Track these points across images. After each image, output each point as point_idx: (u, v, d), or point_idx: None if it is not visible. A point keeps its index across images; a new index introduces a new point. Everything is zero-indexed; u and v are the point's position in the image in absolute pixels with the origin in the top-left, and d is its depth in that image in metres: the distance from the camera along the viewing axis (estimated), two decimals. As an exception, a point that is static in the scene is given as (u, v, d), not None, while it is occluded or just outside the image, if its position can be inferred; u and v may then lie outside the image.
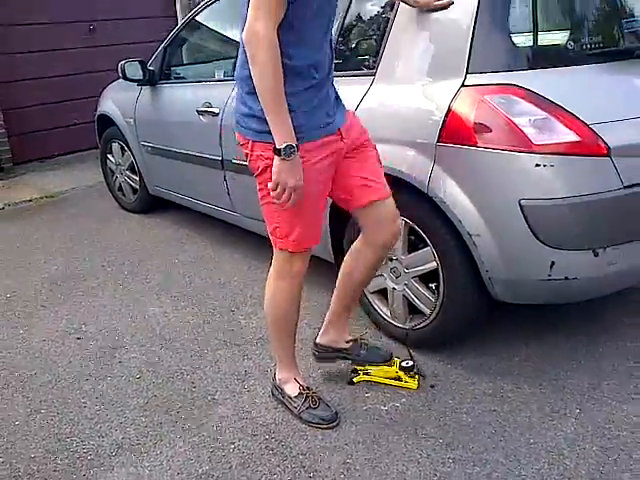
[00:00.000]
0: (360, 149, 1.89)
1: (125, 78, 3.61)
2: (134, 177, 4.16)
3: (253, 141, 1.72)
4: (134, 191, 4.25)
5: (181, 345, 2.55)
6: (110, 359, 2.48)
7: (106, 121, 4.28)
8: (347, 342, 2.20)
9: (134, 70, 3.58)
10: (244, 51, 1.63)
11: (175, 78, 3.66)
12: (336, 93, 1.86)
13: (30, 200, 4.97)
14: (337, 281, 2.12)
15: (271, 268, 1.93)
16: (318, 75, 1.70)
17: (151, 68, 3.63)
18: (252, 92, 1.63)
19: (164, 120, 3.57)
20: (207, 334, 2.62)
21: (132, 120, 3.88)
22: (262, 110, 1.60)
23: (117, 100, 4.13)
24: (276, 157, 1.61)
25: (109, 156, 4.37)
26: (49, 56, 5.90)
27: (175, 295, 3.01)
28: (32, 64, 5.79)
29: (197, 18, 3.52)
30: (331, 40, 1.78)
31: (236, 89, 1.84)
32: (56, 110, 6.04)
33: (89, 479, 1.84)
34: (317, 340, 2.22)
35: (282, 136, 1.59)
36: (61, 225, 4.25)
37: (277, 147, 1.60)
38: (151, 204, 4.22)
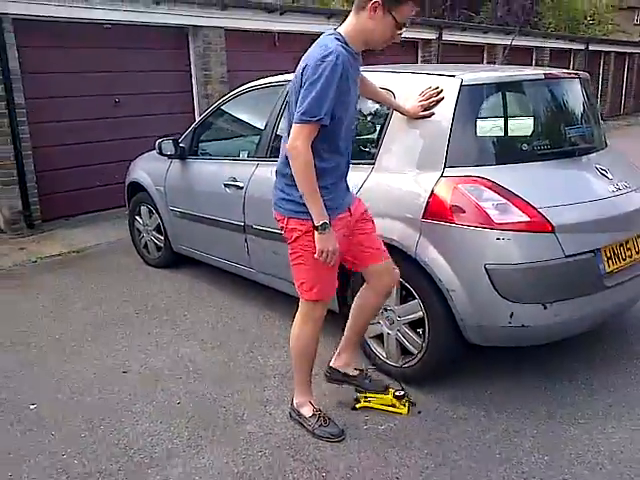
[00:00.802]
0: (363, 224, 2.51)
1: (160, 153, 4.26)
2: (159, 237, 4.75)
3: (289, 217, 2.33)
4: (158, 249, 4.83)
5: (211, 378, 3.07)
6: (153, 388, 2.99)
7: (136, 187, 4.90)
8: (355, 370, 2.75)
9: (168, 146, 4.23)
10: (285, 155, 2.25)
11: (202, 155, 4.31)
12: (346, 181, 2.50)
13: (59, 255, 5.52)
14: (349, 316, 2.69)
15: (297, 314, 2.50)
16: (340, 173, 2.34)
17: (182, 145, 4.28)
18: (290, 184, 2.27)
19: (192, 189, 4.20)
20: (232, 370, 3.15)
21: (162, 188, 4.50)
22: (298, 196, 2.22)
23: (148, 170, 4.76)
24: (316, 232, 2.22)
25: (137, 218, 4.97)
26: (78, 125, 6.60)
27: (202, 339, 3.54)
28: (63, 132, 6.48)
29: (222, 107, 4.20)
30: (350, 148, 2.41)
31: (276, 178, 2.44)
32: (81, 173, 6.70)
33: (149, 476, 2.33)
34: (331, 364, 2.76)
35: (319, 217, 2.21)
36: (92, 278, 4.78)
37: (315, 224, 2.21)
38: (173, 260, 4.79)
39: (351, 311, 2.70)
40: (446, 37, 11.64)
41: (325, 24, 8.54)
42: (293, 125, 2.18)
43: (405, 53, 11.16)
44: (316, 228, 2.22)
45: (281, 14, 8.21)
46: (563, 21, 23.38)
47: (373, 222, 2.59)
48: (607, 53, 18.23)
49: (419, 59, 11.59)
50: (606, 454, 2.38)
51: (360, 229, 2.50)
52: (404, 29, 2.23)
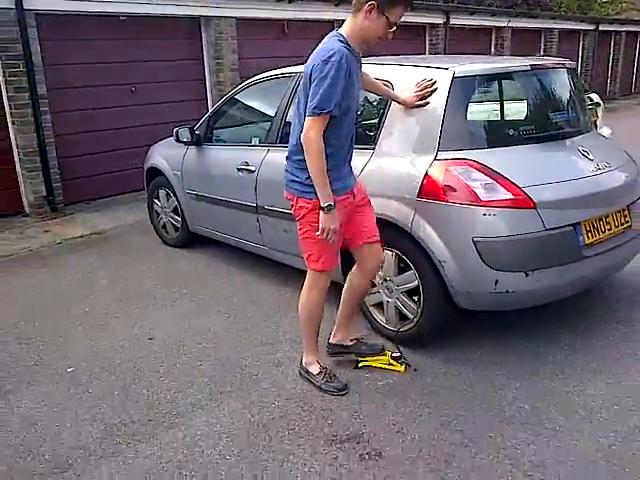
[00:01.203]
0: (362, 206, 2.80)
1: (177, 140, 4.57)
2: (177, 218, 5.08)
3: (297, 197, 2.63)
4: (176, 229, 5.16)
5: (228, 344, 3.40)
6: (176, 352, 3.33)
7: (154, 172, 5.22)
8: (351, 341, 3.06)
9: (185, 134, 4.53)
10: (298, 143, 2.54)
11: (216, 141, 4.60)
12: (350, 165, 2.78)
13: (82, 236, 5.87)
14: (342, 297, 2.99)
15: (305, 283, 2.81)
16: (345, 156, 2.64)
17: (197, 132, 4.58)
18: (298, 167, 2.57)
19: (208, 173, 4.50)
20: (248, 336, 3.48)
21: (179, 172, 4.82)
22: (306, 178, 2.52)
23: (166, 156, 5.07)
24: (322, 212, 2.51)
25: (155, 200, 5.29)
26: (97, 113, 6.93)
27: (219, 310, 3.87)
28: (82, 120, 6.80)
29: (235, 97, 4.48)
30: (353, 134, 2.70)
31: (285, 162, 2.73)
32: (99, 159, 7.03)
33: (177, 425, 2.67)
34: (330, 341, 3.09)
35: (325, 199, 2.50)
36: (113, 257, 5.12)
37: (322, 205, 2.50)
38: (189, 240, 5.11)
39: (342, 294, 2.99)
40: (453, 21, 11.79)
41: (333, 11, 8.76)
42: (306, 118, 2.46)
43: (413, 37, 11.35)
44: (322, 209, 2.52)
45: (290, 2, 8.41)
46: (573, 1, 23.28)
47: (371, 206, 2.88)
48: (618, 33, 18.20)
49: (427, 43, 11.76)
50: (580, 403, 2.68)
51: (359, 211, 2.79)
52: (395, 28, 2.50)
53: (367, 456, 2.42)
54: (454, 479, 2.28)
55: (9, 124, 6.30)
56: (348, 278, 2.97)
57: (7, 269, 4.95)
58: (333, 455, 2.43)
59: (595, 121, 6.35)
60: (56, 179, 6.58)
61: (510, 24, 13.40)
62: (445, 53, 11.62)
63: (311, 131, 2.45)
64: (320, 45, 2.52)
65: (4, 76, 6.10)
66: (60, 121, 6.55)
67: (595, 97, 6.75)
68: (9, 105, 6.21)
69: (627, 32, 18.59)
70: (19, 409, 2.86)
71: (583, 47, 16.88)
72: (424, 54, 11.62)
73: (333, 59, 2.39)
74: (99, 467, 2.43)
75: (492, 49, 13.44)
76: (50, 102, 6.38)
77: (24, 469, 2.44)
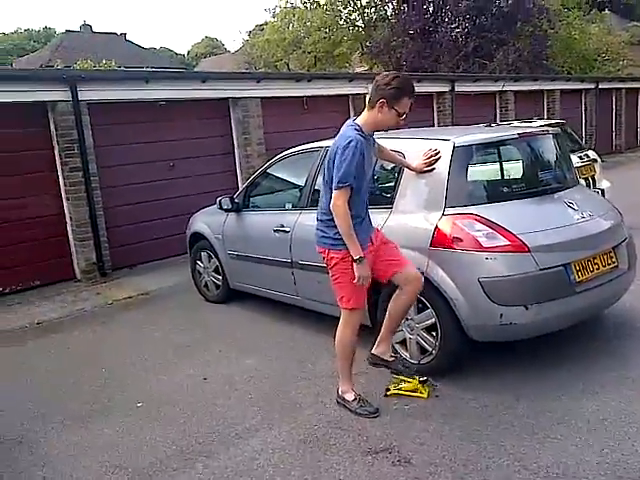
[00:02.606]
0: (383, 245, 3.38)
1: (220, 208, 5.25)
2: (218, 277, 5.70)
3: (328, 250, 3.23)
4: (217, 287, 5.78)
5: (273, 381, 3.92)
6: (229, 388, 3.85)
7: (197, 237, 5.89)
8: (391, 356, 3.56)
9: (226, 202, 5.22)
10: (326, 207, 3.16)
11: (253, 208, 5.27)
12: (369, 218, 3.38)
13: (130, 297, 6.49)
14: (386, 315, 3.47)
15: (340, 322, 3.36)
16: (362, 215, 3.25)
17: (236, 201, 5.26)
18: (327, 225, 3.19)
19: (247, 235, 5.15)
20: (288, 374, 4.00)
21: (220, 236, 5.48)
22: (335, 234, 3.14)
23: (207, 222, 5.76)
24: (355, 264, 3.10)
25: (198, 262, 5.94)
26: (139, 188, 7.71)
27: (261, 353, 4.41)
28: (127, 194, 7.59)
29: (268, 170, 5.20)
30: (367, 198, 3.32)
31: (316, 223, 3.34)
32: (143, 228, 7.76)
33: (236, 444, 3.17)
34: (372, 351, 3.58)
35: (356, 252, 3.10)
36: (161, 313, 5.72)
37: (354, 258, 3.09)
38: (229, 296, 5.70)
39: (388, 310, 3.49)
40: (459, 88, 12.68)
41: (348, 87, 9.68)
42: (333, 192, 3.10)
43: (422, 105, 12.21)
44: (355, 261, 3.11)
45: (308, 81, 9.35)
46: (575, 61, 24.43)
47: (392, 242, 3.44)
48: (618, 89, 19.07)
49: (435, 109, 12.62)
50: (580, 418, 3.13)
51: (382, 249, 3.37)
52: (405, 116, 3.15)
53: (398, 463, 2.89)
54: (472, 478, 2.74)
55: (64, 200, 7.10)
56: (393, 296, 3.43)
57: (68, 327, 5.57)
58: (369, 462, 2.91)
59: (593, 176, 6.93)
60: (105, 247, 7.30)
61: (513, 87, 14.30)
62: (452, 118, 12.46)
63: (339, 200, 3.07)
64: (340, 132, 3.20)
65: (61, 158, 6.96)
66: (108, 195, 7.34)
67: (592, 154, 7.34)
68: (64, 183, 7.04)
69: (627, 89, 19.45)
70: (100, 436, 3.39)
71: (585, 104, 17.71)
72: (433, 119, 12.49)
73: (351, 144, 3.06)
74: (175, 477, 2.93)
75: (497, 111, 14.28)
76: (100, 178, 7.19)
77: (113, 482, 2.96)
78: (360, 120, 3.22)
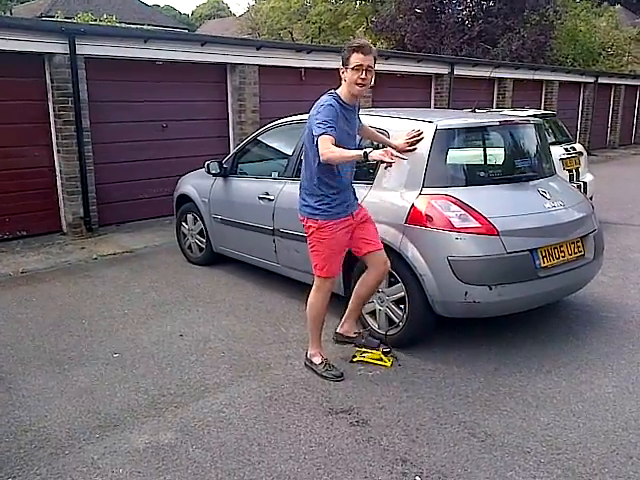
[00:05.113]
0: (363, 223, 3.51)
1: (208, 172, 5.34)
2: (202, 239, 5.82)
3: (307, 218, 3.36)
4: (200, 249, 5.90)
5: (246, 341, 4.08)
6: (203, 346, 4.01)
7: (184, 199, 5.99)
8: (355, 333, 3.74)
9: (214, 167, 5.31)
10: (308, 177, 3.28)
11: (240, 174, 5.37)
12: (354, 193, 3.51)
13: (115, 254, 6.60)
14: (352, 294, 3.66)
15: (313, 287, 3.51)
16: (343, 189, 3.37)
17: (225, 166, 5.35)
18: (307, 194, 3.31)
19: (232, 201, 5.26)
20: (262, 336, 4.16)
21: (207, 199, 5.58)
22: (314, 202, 3.26)
23: (195, 185, 5.85)
24: (370, 156, 2.99)
25: (183, 224, 6.05)
26: (131, 146, 7.77)
27: (237, 315, 4.57)
28: (118, 152, 7.64)
29: (258, 138, 5.28)
30: (352, 172, 3.44)
31: (298, 192, 3.47)
32: (131, 186, 7.84)
33: (206, 397, 3.34)
34: (337, 330, 3.76)
35: (357, 155, 3.08)
36: (145, 272, 5.84)
37: (362, 157, 3.02)
38: (212, 260, 5.84)
39: (354, 290, 3.68)
40: (457, 72, 12.70)
41: (346, 61, 9.67)
42: (318, 144, 3.14)
43: (420, 85, 12.26)
44: (365, 156, 3.00)
45: (308, 53, 9.35)
46: (579, 54, 24.38)
47: (373, 223, 3.58)
48: (618, 86, 19.13)
49: (432, 91, 12.65)
50: (531, 394, 3.32)
51: (361, 227, 3.51)
52: (363, 72, 3.20)
53: (356, 423, 3.07)
54: (422, 441, 2.92)
55: (54, 152, 7.15)
56: (361, 277, 3.61)
57: (52, 279, 5.68)
58: (329, 421, 3.09)
59: (577, 168, 7.08)
60: (93, 202, 7.38)
61: (512, 75, 14.32)
62: (449, 100, 12.51)
63: (322, 149, 3.10)
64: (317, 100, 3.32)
65: (54, 110, 6.98)
66: (99, 151, 7.39)
67: (578, 147, 7.47)
68: (56, 136, 7.07)
69: (626, 86, 19.51)
70: (76, 382, 3.55)
71: (583, 98, 17.78)
72: (430, 101, 12.53)
73: (326, 102, 3.22)
74: (145, 423, 3.10)
75: (494, 98, 14.33)
76: (92, 134, 7.23)
77: (84, 422, 3.11)
78: (337, 91, 3.36)
